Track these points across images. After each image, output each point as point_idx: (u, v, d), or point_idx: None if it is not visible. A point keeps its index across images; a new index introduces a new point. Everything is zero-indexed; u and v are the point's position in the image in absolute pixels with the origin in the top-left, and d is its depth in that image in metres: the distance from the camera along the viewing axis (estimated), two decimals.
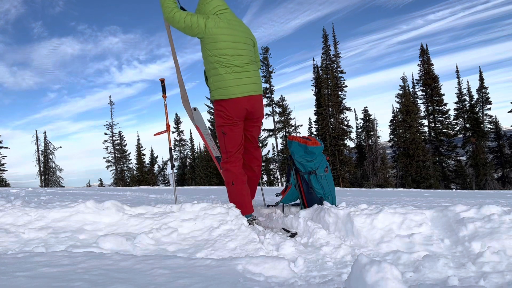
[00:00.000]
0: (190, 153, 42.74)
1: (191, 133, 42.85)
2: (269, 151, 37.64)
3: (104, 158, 40.33)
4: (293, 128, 38.74)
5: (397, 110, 36.44)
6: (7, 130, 76.96)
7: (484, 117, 36.95)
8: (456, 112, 37.67)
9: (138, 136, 40.81)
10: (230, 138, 3.20)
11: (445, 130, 37.19)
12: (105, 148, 40.34)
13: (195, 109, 3.84)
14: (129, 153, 41.49)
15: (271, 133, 37.53)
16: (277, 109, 37.52)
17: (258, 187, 3.89)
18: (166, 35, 3.59)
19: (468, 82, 38.91)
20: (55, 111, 77.59)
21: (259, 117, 3.38)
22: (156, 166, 41.55)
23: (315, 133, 37.32)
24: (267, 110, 36.86)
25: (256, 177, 3.64)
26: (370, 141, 37.91)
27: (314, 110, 37.96)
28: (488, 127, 36.84)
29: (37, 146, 40.39)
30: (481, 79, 37.03)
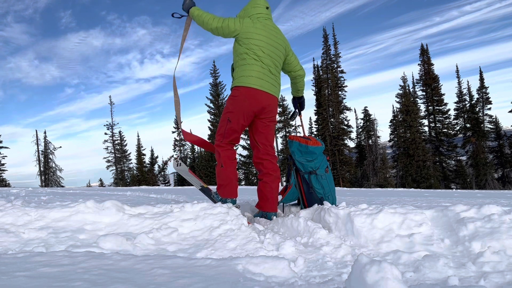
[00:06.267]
0: (190, 153, 42.74)
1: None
2: None
3: (104, 158, 40.38)
4: (293, 128, 38.74)
5: (397, 110, 36.46)
6: (18, 128, 75.28)
7: (484, 117, 36.94)
8: (456, 112, 37.67)
9: (138, 136, 40.84)
10: (232, 127, 3.27)
11: (445, 130, 37.19)
12: (105, 148, 40.39)
13: (179, 164, 3.92)
14: (129, 153, 41.53)
15: None
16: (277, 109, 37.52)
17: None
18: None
19: (468, 82, 38.94)
20: (69, 107, 76.43)
21: (272, 116, 3.40)
22: (156, 166, 41.54)
23: (315, 133, 37.31)
24: None
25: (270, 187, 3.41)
26: (370, 141, 37.91)
27: (314, 110, 37.97)
28: (488, 127, 36.84)
29: (37, 146, 40.40)
30: (481, 79, 37.04)
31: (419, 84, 38.30)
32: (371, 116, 38.60)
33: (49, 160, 40.86)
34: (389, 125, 37.41)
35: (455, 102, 37.80)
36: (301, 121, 4.05)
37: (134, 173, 40.14)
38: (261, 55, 3.22)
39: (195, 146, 42.33)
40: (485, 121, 36.89)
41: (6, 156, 38.36)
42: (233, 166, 3.34)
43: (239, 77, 3.24)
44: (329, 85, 36.78)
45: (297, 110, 3.90)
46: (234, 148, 3.45)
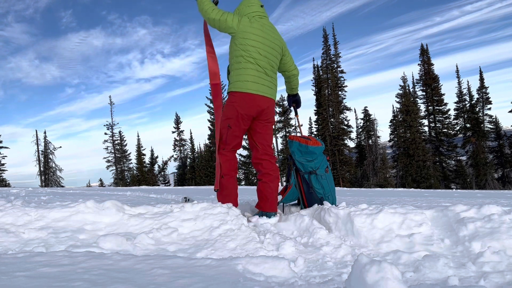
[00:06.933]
0: (190, 153, 42.75)
1: (191, 133, 42.92)
2: None
3: (104, 158, 40.38)
4: (293, 128, 38.75)
5: (397, 110, 36.46)
6: (18, 128, 75.45)
7: (484, 117, 36.93)
8: (456, 112, 37.66)
9: (138, 136, 40.85)
10: (233, 133, 3.25)
11: (445, 130, 37.17)
12: (105, 148, 40.39)
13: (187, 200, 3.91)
14: (129, 153, 41.53)
15: None
16: (277, 109, 37.50)
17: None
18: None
19: (468, 82, 38.95)
20: (69, 107, 76.64)
21: (270, 118, 3.38)
22: (156, 166, 41.54)
23: (315, 133, 37.31)
24: None
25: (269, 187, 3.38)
26: (370, 141, 37.90)
27: (314, 110, 37.97)
28: (488, 127, 36.83)
29: (37, 146, 40.40)
30: (481, 79, 37.03)
31: (419, 84, 38.30)
32: (371, 116, 38.63)
33: (49, 160, 40.86)
34: (389, 125, 37.41)
35: (455, 102, 37.82)
36: (298, 121, 4.05)
37: (134, 173, 40.14)
38: (257, 57, 3.19)
39: (195, 146, 42.38)
40: (485, 121, 36.88)
41: (6, 156, 38.39)
42: (233, 178, 3.33)
43: (234, 81, 3.22)
44: (329, 85, 36.77)
45: (291, 108, 3.92)
46: (236, 155, 3.42)
